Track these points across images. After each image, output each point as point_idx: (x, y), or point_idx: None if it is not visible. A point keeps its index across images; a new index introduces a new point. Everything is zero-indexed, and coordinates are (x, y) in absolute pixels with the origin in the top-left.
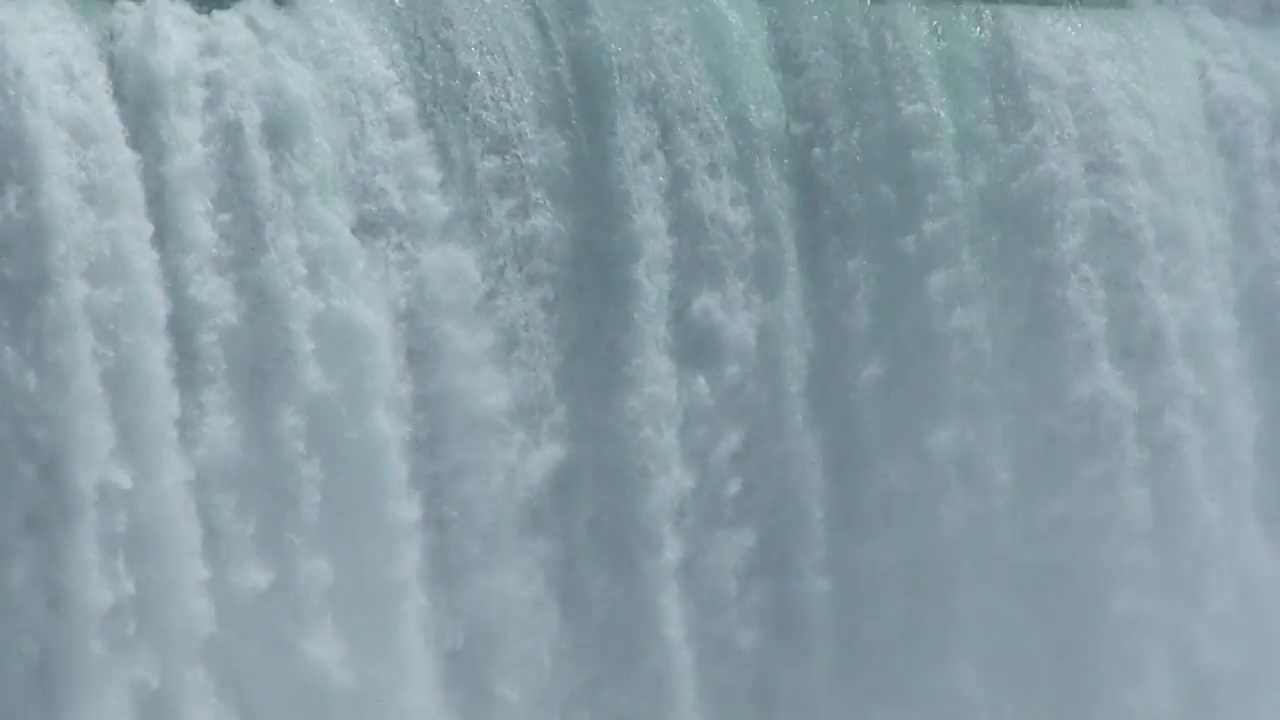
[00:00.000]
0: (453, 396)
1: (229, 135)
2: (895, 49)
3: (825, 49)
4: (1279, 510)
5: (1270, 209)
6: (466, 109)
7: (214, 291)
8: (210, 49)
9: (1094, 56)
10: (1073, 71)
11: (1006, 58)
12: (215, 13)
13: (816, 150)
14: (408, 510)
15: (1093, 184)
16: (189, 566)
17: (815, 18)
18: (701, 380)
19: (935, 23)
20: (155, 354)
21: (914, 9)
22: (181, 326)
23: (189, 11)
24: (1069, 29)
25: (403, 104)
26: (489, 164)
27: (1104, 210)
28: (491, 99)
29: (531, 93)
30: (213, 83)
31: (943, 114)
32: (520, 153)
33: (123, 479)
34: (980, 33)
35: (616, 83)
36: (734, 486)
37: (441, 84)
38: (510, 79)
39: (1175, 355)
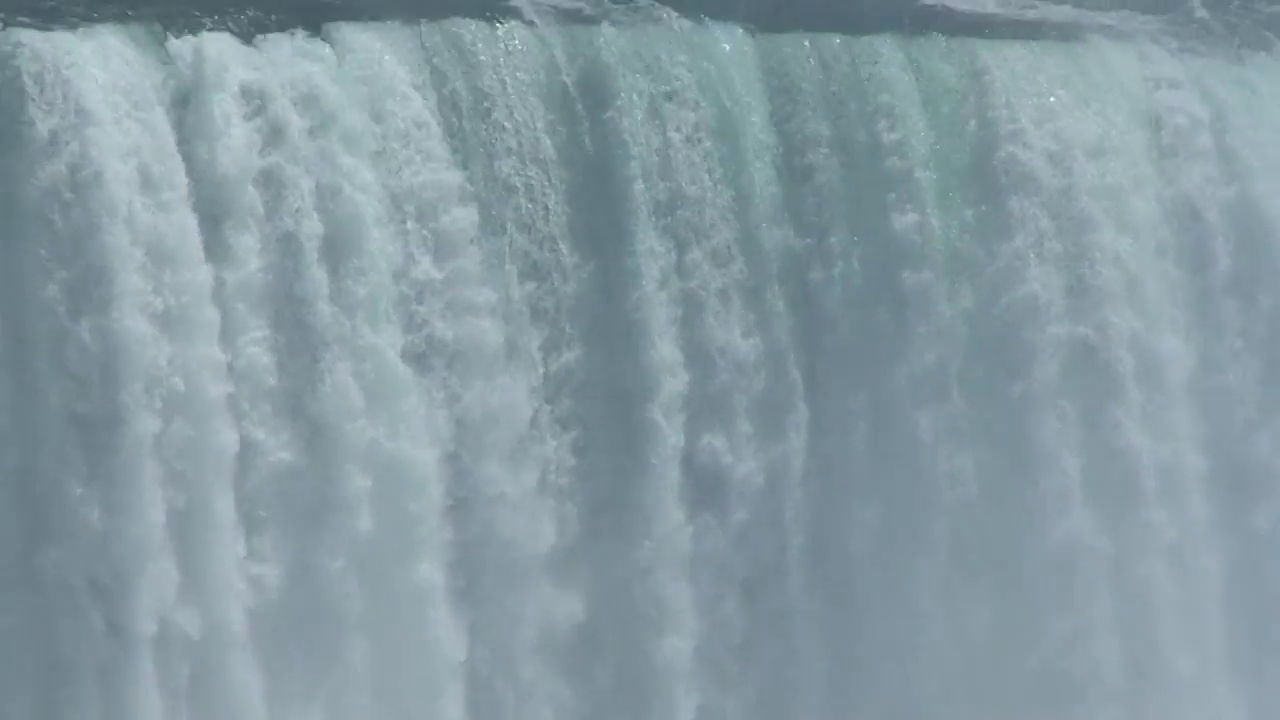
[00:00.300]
0: (494, 542)
1: (287, 248)
2: (891, 143)
3: (828, 147)
4: (1248, 662)
5: (1233, 331)
6: (505, 229)
7: (272, 428)
8: (273, 137)
9: (1083, 152)
10: (1059, 170)
11: (990, 155)
12: (271, 87)
13: (816, 273)
14: (452, 655)
15: (1072, 307)
16: (249, 713)
17: (814, 110)
18: (712, 526)
19: (929, 112)
20: (224, 495)
21: (911, 93)
22: (242, 464)
23: (244, 73)
24: (1056, 106)
25: (460, 216)
26: (526, 290)
27: (1082, 338)
28: (529, 212)
29: (566, 212)
30: (271, 181)
31: (934, 222)
32: (557, 279)
33: (189, 624)
34: (967, 124)
35: (638, 189)
36: (739, 637)
37: (484, 195)
38: (548, 188)
39: (1150, 498)
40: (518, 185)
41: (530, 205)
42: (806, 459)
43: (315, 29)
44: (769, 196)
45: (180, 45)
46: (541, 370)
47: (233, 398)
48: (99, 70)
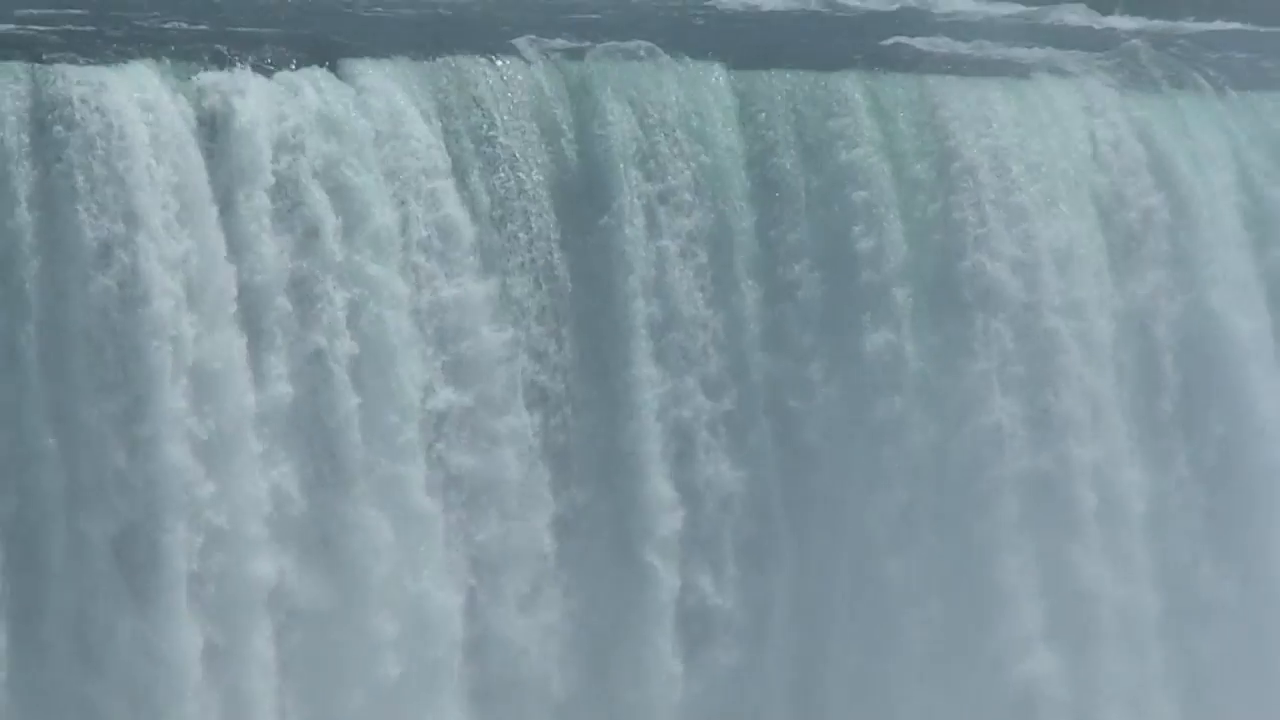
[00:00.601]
0: (507, 686)
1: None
2: (866, 252)
3: (810, 258)
4: None
5: (1180, 460)
6: (514, 359)
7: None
8: (303, 241)
9: (1052, 259)
10: (1026, 285)
11: (955, 264)
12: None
13: (797, 402)
14: None
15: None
16: None
17: (798, 211)
18: (699, 674)
19: (903, 214)
20: (260, 632)
21: (888, 190)
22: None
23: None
24: (1026, 204)
25: (492, 338)
26: (535, 420)
27: (1043, 473)
28: (540, 338)
29: (574, 335)
30: (303, 296)
31: (909, 346)
32: (569, 411)
33: None
34: (935, 232)
35: (638, 308)
36: None
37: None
38: (561, 304)
39: (1109, 641)
40: (531, 308)
41: (541, 329)
42: (791, 601)
43: (333, 67)
44: (759, 318)
45: (211, 100)
46: (552, 509)
47: (269, 532)
48: (153, 159)
